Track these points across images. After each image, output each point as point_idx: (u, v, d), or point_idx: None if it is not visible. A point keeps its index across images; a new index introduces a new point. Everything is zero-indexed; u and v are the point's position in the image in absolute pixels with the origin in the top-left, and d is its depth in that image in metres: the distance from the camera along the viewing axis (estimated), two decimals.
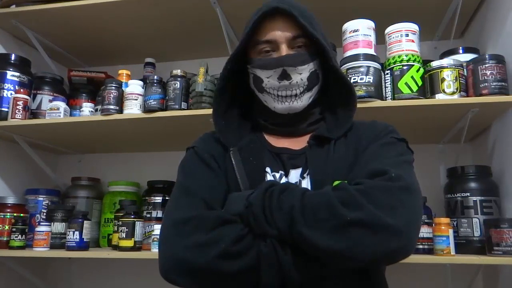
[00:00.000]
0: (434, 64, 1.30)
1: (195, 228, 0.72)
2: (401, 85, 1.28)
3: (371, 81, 1.26)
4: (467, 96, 1.28)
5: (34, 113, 1.60)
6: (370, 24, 1.32)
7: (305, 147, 0.86)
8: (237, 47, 0.86)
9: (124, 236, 1.38)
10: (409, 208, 0.69)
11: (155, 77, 1.48)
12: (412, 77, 1.27)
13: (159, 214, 1.51)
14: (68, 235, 1.42)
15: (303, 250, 0.69)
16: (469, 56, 1.36)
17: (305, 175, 0.83)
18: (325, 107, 0.91)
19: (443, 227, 1.21)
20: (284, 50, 0.83)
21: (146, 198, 1.58)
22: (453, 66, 1.28)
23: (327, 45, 0.84)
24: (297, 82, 0.84)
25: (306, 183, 0.81)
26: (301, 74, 0.84)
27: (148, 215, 1.51)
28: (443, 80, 1.27)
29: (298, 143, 0.88)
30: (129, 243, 1.38)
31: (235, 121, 0.91)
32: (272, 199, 0.70)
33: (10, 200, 1.53)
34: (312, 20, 0.85)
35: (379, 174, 0.72)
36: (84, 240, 1.43)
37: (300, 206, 0.68)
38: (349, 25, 1.33)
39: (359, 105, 1.25)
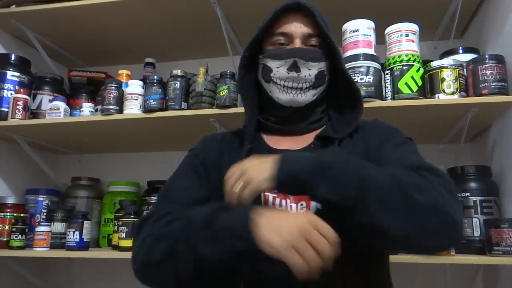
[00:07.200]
0: (434, 64, 1.30)
1: (152, 223, 0.75)
2: (401, 85, 1.28)
3: (371, 81, 1.26)
4: (467, 96, 1.28)
5: (34, 113, 1.60)
6: (370, 24, 1.32)
7: (308, 146, 0.84)
8: (254, 36, 0.87)
9: (124, 236, 1.38)
10: (457, 200, 0.68)
11: (155, 77, 1.48)
12: (412, 77, 1.27)
13: None
14: (68, 235, 1.42)
15: None
16: (469, 56, 1.36)
17: None
18: (330, 108, 0.92)
19: None
20: (298, 44, 0.85)
21: (146, 198, 1.58)
22: (453, 66, 1.28)
23: (338, 49, 0.87)
24: (305, 76, 0.84)
25: None
26: (310, 70, 0.84)
27: None
28: (443, 80, 1.27)
29: (298, 143, 0.86)
30: (129, 243, 1.38)
31: (257, 107, 0.92)
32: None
33: (10, 200, 1.53)
34: (328, 25, 0.88)
35: (423, 168, 0.71)
36: (84, 240, 1.43)
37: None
38: (349, 25, 1.33)
39: None
